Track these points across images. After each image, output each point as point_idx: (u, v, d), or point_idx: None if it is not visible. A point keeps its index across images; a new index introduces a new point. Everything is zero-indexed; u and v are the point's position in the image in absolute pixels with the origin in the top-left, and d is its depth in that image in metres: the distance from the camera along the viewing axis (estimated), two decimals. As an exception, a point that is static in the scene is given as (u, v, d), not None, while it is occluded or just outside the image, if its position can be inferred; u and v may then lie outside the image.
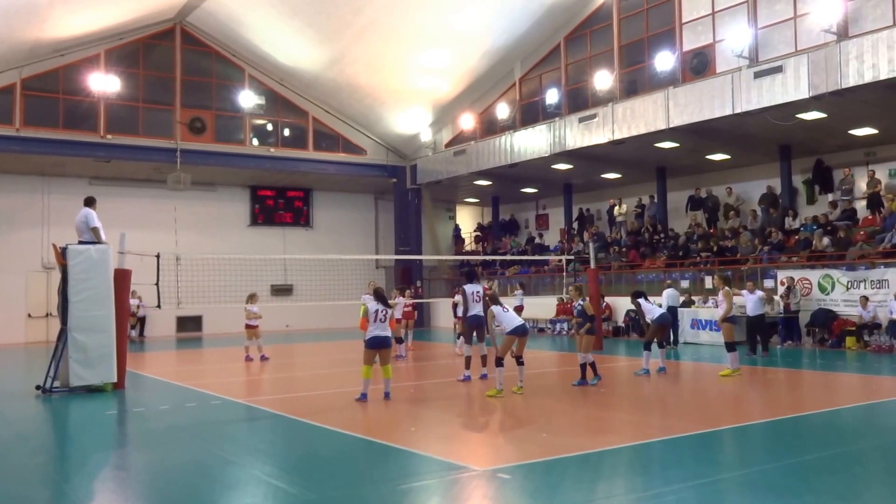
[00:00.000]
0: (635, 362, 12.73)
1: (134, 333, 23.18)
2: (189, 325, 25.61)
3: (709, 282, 12.80)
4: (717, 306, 13.21)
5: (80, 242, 11.51)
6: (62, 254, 11.27)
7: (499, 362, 9.94)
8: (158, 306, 12.46)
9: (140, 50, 24.04)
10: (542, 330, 23.05)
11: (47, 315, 22.59)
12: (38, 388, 11.03)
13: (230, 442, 7.72)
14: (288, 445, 7.54)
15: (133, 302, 20.15)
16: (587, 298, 11.43)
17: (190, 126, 24.43)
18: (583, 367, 10.72)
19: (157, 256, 12.48)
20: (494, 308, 10.25)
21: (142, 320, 24.27)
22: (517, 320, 10.15)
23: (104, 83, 22.67)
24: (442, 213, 30.54)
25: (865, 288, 15.75)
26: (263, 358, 15.39)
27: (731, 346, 11.70)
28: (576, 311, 11.28)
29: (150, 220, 24.26)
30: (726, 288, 12.19)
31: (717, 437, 7.47)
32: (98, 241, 11.52)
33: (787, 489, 5.33)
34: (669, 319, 12.78)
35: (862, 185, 19.42)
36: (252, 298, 15.79)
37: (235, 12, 22.99)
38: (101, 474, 6.47)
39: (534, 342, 20.03)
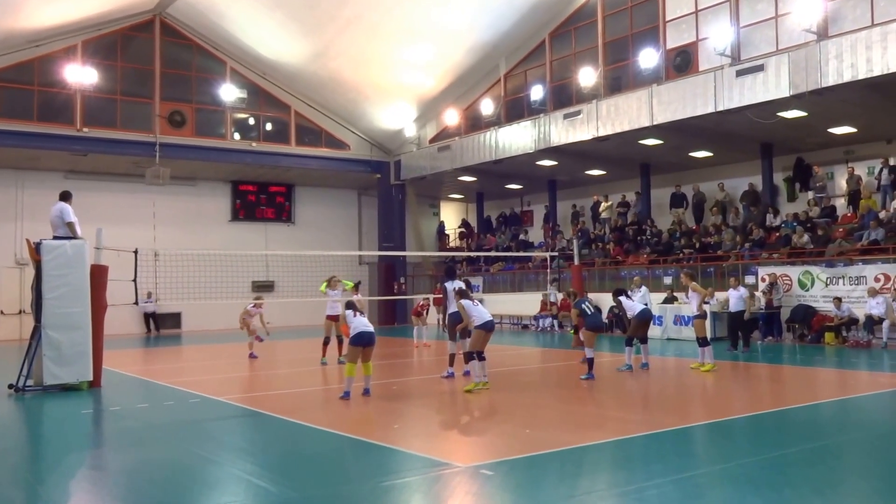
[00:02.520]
0: (618, 358, 12.76)
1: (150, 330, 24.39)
2: (168, 321, 25.33)
3: (683, 279, 12.95)
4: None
5: (55, 238, 11.28)
6: (36, 249, 11.04)
7: (470, 356, 9.97)
8: (136, 303, 12.26)
9: (118, 41, 23.67)
10: (525, 326, 23.06)
11: (20, 312, 22.18)
12: (10, 386, 10.78)
13: (209, 440, 7.60)
14: (269, 443, 7.43)
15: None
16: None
17: (169, 119, 24.11)
18: (589, 361, 10.99)
19: (135, 252, 12.29)
20: (464, 302, 10.21)
21: (153, 316, 24.39)
22: (487, 315, 10.17)
23: (81, 75, 22.27)
24: (426, 209, 30.46)
25: (844, 284, 15.94)
26: (252, 356, 15.28)
27: (703, 341, 11.79)
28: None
29: (127, 215, 23.95)
30: (693, 283, 12.31)
31: (699, 431, 7.51)
32: (74, 237, 11.30)
33: (765, 482, 5.36)
34: (651, 316, 12.85)
35: (841, 182, 19.67)
36: (259, 302, 15.84)
37: (216, 4, 22.72)
38: (77, 475, 6.33)
39: (518, 338, 20.05)
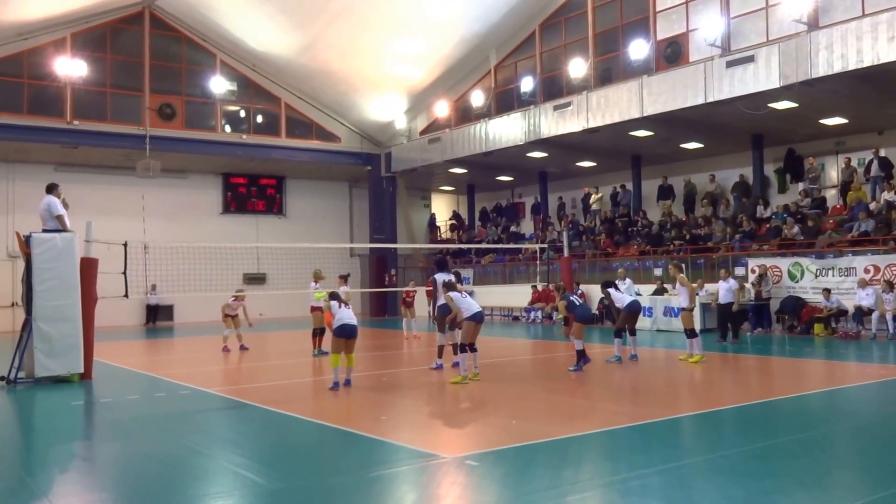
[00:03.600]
0: (608, 350, 12.81)
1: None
2: (161, 314, 25.33)
3: (671, 271, 12.95)
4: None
5: (45, 231, 11.26)
6: (26, 242, 11.02)
7: (462, 348, 9.99)
8: (126, 295, 12.24)
9: (108, 34, 23.56)
10: (516, 318, 23.12)
11: (13, 305, 22.15)
12: (2, 378, 10.80)
13: (198, 432, 7.63)
14: (257, 435, 7.46)
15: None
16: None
17: (159, 112, 24.02)
18: (578, 352, 10.97)
19: (125, 245, 12.26)
20: (453, 294, 10.24)
21: (154, 309, 24.39)
22: (476, 306, 10.20)
23: (70, 68, 22.18)
24: (417, 201, 30.45)
25: (833, 275, 16.02)
26: (243, 347, 15.16)
27: (691, 333, 11.84)
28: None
29: (118, 207, 23.92)
30: (681, 275, 12.29)
31: (685, 423, 7.56)
32: (63, 230, 11.28)
33: (747, 473, 5.41)
34: (640, 307, 12.90)
35: (832, 173, 19.73)
36: (240, 296, 15.53)
37: (206, -4, 22.59)
38: (66, 466, 6.34)
39: (508, 330, 20.11)
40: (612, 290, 12.47)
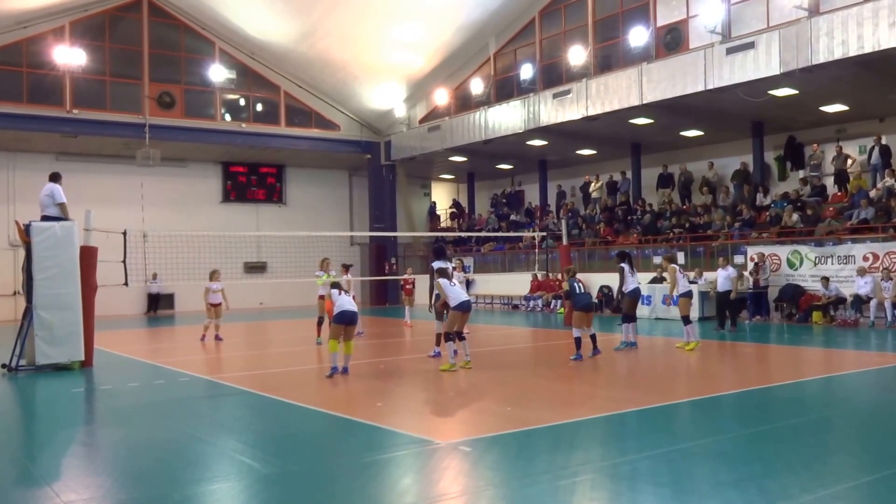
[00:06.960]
0: (607, 338, 12.85)
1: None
2: (163, 302, 25.43)
3: (663, 263, 12.95)
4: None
5: (44, 217, 11.31)
6: (25, 231, 11.08)
7: (448, 337, 10.04)
8: (126, 284, 12.30)
9: (106, 22, 23.52)
10: (516, 306, 23.16)
11: (15, 293, 22.27)
12: (4, 366, 10.90)
13: (196, 418, 7.70)
14: (254, 421, 7.54)
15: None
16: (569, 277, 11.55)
17: (159, 101, 24.00)
18: (576, 340, 10.79)
19: (124, 233, 12.31)
20: (441, 281, 10.27)
21: (156, 297, 24.54)
22: (463, 296, 10.23)
23: (69, 56, 22.16)
24: (417, 189, 30.45)
25: (832, 263, 16.01)
26: (218, 338, 14.97)
27: (686, 320, 11.87)
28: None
29: (118, 196, 23.97)
30: (672, 265, 12.30)
31: (679, 409, 7.60)
32: (65, 218, 11.34)
33: (738, 457, 5.47)
34: (640, 294, 12.91)
35: (832, 161, 19.66)
36: (214, 275, 15.26)
37: (204, -17, 22.50)
38: (67, 452, 6.42)
39: (508, 318, 20.16)
40: (625, 266, 12.28)
